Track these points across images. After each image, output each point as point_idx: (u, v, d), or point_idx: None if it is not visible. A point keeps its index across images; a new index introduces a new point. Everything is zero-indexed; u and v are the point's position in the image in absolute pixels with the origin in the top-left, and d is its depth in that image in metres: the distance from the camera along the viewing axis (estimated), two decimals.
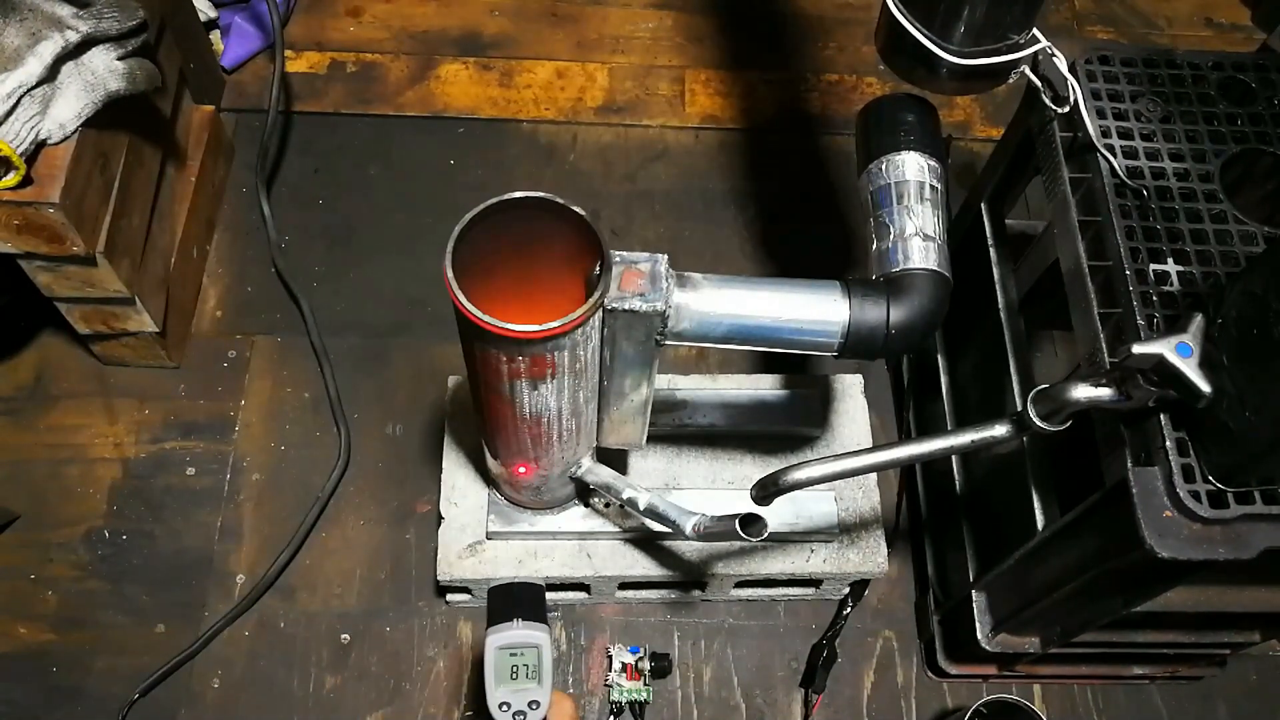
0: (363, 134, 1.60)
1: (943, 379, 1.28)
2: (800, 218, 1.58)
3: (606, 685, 1.21)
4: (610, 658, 1.22)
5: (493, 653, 0.89)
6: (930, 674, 1.26)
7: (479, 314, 0.76)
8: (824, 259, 1.54)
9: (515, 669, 0.89)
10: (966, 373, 1.24)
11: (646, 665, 1.20)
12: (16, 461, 1.31)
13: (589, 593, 1.24)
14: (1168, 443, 0.80)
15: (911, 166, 0.94)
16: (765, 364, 1.42)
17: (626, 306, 0.80)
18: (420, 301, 1.46)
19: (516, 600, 0.93)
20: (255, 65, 1.64)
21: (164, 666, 1.19)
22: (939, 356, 1.29)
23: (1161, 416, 0.81)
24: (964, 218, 1.23)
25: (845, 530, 1.18)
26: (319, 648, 1.23)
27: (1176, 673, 1.23)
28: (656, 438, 1.21)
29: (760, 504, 0.96)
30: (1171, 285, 0.87)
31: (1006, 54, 0.90)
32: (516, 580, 0.94)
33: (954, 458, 1.22)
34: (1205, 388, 0.76)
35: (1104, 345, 0.88)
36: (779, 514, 1.15)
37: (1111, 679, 1.25)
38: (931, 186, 0.94)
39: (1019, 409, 0.86)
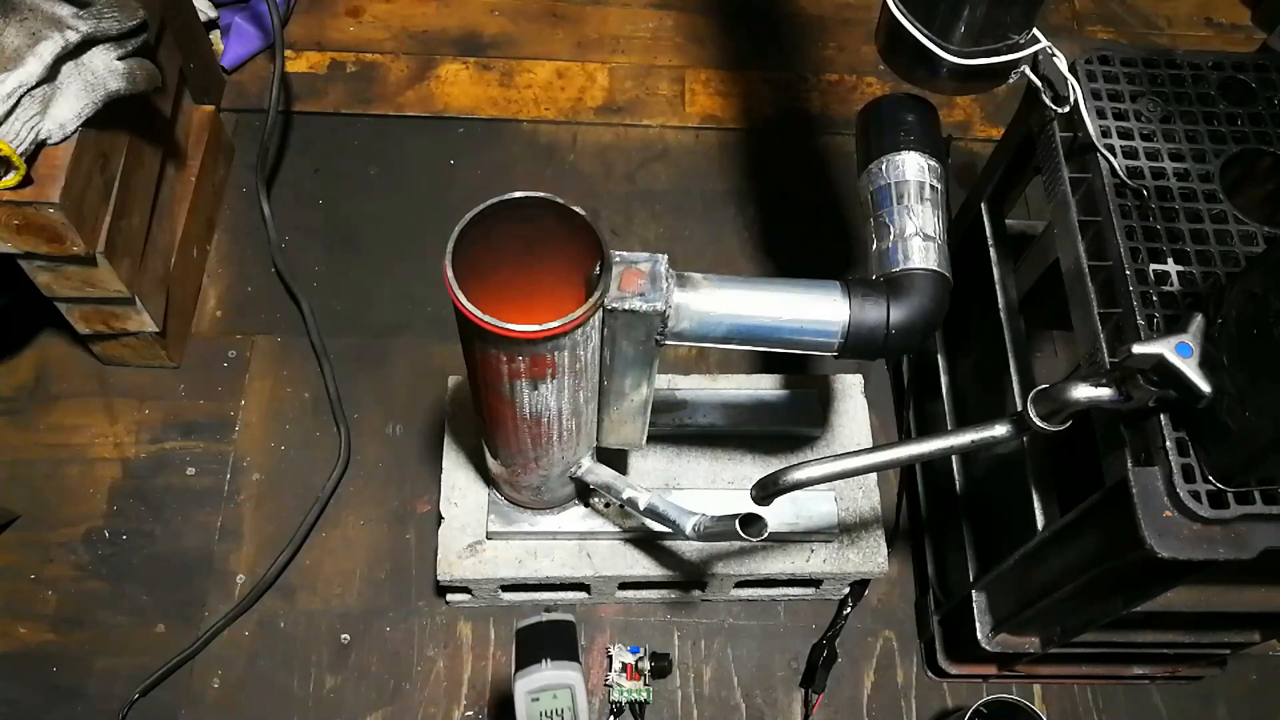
0: (363, 134, 1.60)
1: (943, 379, 1.28)
2: (800, 217, 1.58)
3: (606, 685, 1.21)
4: (610, 658, 1.22)
5: (523, 699, 0.84)
6: (930, 674, 1.26)
7: (479, 314, 0.76)
8: (824, 259, 1.54)
9: (548, 713, 0.84)
10: (967, 373, 1.24)
11: (646, 665, 1.20)
12: (16, 461, 1.31)
13: (589, 593, 1.24)
14: (1168, 443, 0.80)
15: (911, 166, 0.94)
16: (765, 364, 1.42)
17: (626, 306, 0.80)
18: (420, 301, 1.46)
19: (544, 639, 0.87)
20: (255, 65, 1.64)
21: (164, 666, 1.19)
22: (939, 356, 1.29)
23: (1161, 416, 0.81)
24: (964, 218, 1.23)
25: (845, 530, 1.18)
26: (319, 648, 1.23)
27: (1176, 673, 1.23)
28: (656, 438, 1.21)
29: (760, 504, 0.96)
30: (1171, 285, 0.87)
31: (1006, 54, 0.90)
32: (543, 619, 0.87)
33: (954, 458, 1.22)
34: (1205, 388, 0.76)
35: (1104, 345, 0.88)
36: (779, 514, 1.15)
37: (1111, 679, 1.25)
38: (931, 186, 0.94)
39: (1019, 409, 0.86)
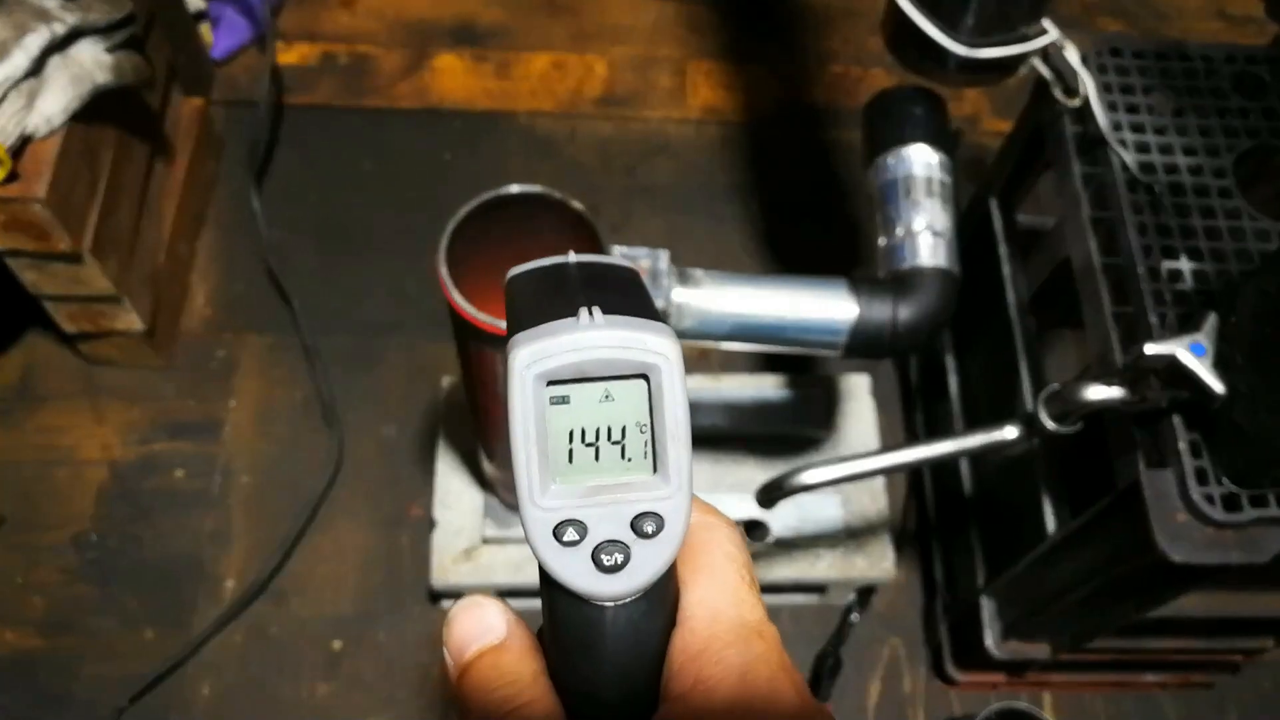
0: (355, 127, 1.58)
1: (951, 379, 1.26)
2: (805, 213, 1.56)
3: None
4: None
5: (528, 386, 0.32)
6: (938, 681, 1.24)
7: (474, 312, 0.74)
8: (829, 255, 1.52)
9: (587, 433, 0.33)
10: (976, 373, 1.22)
11: None
12: (2, 463, 1.29)
13: None
14: (1181, 444, 0.79)
15: (919, 160, 0.92)
16: (769, 364, 1.39)
17: None
18: (414, 299, 1.44)
19: (581, 284, 0.35)
20: (246, 57, 1.61)
21: (153, 673, 1.17)
22: (948, 356, 1.27)
23: (1174, 418, 0.80)
24: (973, 213, 1.22)
25: (851, 535, 1.16)
26: (311, 654, 1.21)
27: (1188, 680, 1.22)
28: None
29: (765, 508, 0.94)
30: (1185, 283, 0.86)
31: (1016, 46, 0.88)
32: (572, 261, 0.36)
33: (963, 460, 1.21)
34: (1219, 388, 0.75)
35: (1116, 345, 0.87)
36: (784, 518, 1.13)
37: (1122, 686, 1.23)
38: (940, 181, 0.92)
39: (1030, 410, 0.85)
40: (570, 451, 0.33)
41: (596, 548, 0.32)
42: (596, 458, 0.33)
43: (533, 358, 0.31)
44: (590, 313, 0.31)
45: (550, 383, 0.32)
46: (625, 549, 0.32)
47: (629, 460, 0.33)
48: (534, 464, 0.32)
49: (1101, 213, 0.92)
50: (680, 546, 0.33)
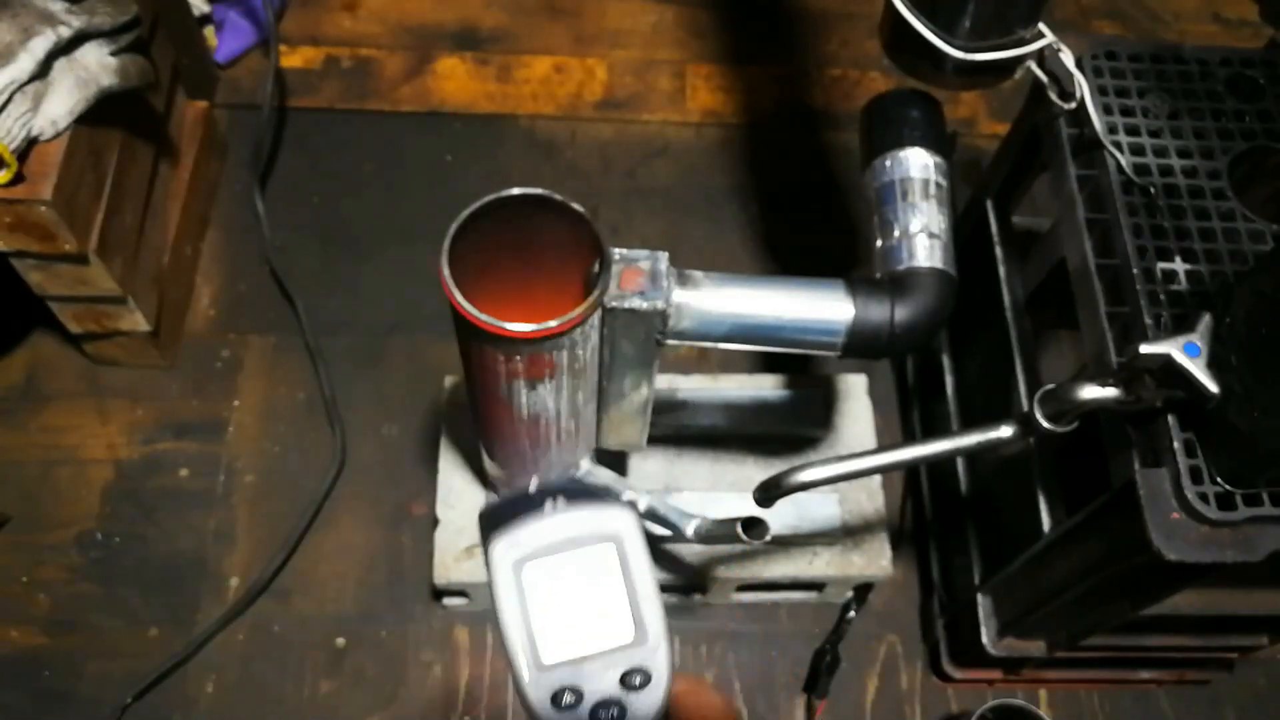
0: (358, 130, 1.59)
1: (948, 379, 1.26)
2: (803, 215, 1.57)
3: None
4: None
5: (509, 582, 0.37)
6: (935, 678, 1.24)
7: (476, 313, 0.74)
8: (827, 257, 1.52)
9: (567, 605, 0.37)
10: (972, 373, 1.23)
11: None
12: (7, 463, 1.30)
13: None
14: (1175, 444, 0.79)
15: (916, 163, 0.93)
16: (767, 364, 1.40)
17: (626, 305, 0.79)
18: (416, 300, 1.45)
19: (550, 494, 0.39)
20: (249, 61, 1.62)
21: (157, 671, 1.18)
22: (944, 356, 1.28)
23: (1169, 417, 0.80)
24: (969, 215, 1.22)
25: (849, 533, 1.17)
26: (314, 652, 1.22)
27: (1184, 677, 1.22)
28: (657, 439, 1.19)
29: (762, 506, 0.95)
30: (1179, 284, 0.86)
31: (1012, 49, 0.89)
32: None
33: (959, 459, 1.21)
34: (1213, 388, 0.75)
35: (1111, 345, 0.87)
36: (781, 516, 1.13)
37: (1118, 684, 1.24)
38: (936, 183, 0.92)
39: (1025, 409, 0.85)
40: (555, 625, 0.37)
41: (593, 708, 0.37)
42: (579, 627, 0.37)
43: (508, 545, 0.37)
44: (554, 502, 0.38)
45: (528, 565, 0.37)
46: (619, 704, 0.37)
47: (610, 624, 0.38)
48: (524, 644, 0.37)
49: (1097, 214, 0.92)
50: (668, 689, 0.38)
